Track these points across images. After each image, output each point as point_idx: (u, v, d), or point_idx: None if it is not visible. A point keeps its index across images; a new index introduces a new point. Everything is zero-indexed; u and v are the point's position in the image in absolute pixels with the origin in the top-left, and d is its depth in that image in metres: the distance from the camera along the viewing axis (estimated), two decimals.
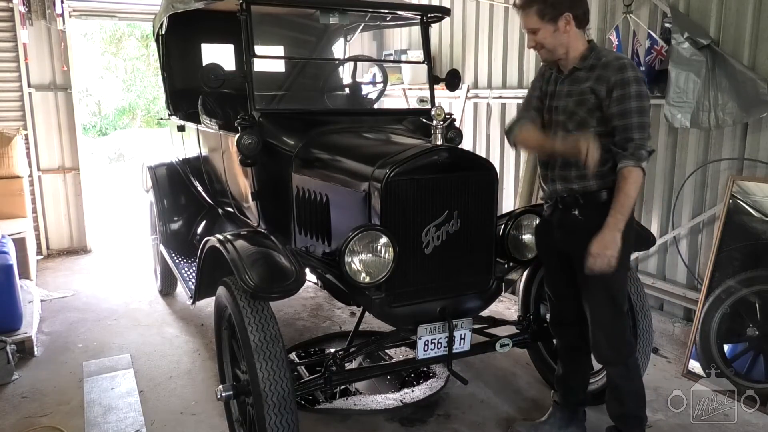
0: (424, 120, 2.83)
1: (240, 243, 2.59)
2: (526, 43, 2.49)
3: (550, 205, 2.58)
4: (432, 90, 3.78)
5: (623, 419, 2.63)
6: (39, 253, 6.03)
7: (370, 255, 2.46)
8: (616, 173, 2.34)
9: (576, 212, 2.46)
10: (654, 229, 3.99)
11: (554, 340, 3.31)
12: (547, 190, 2.56)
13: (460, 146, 3.29)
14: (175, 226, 4.76)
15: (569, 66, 2.46)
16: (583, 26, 2.45)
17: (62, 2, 5.65)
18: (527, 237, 2.86)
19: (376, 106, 4.50)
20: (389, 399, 3.17)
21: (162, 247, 4.68)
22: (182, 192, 4.83)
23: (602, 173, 2.38)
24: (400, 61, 6.17)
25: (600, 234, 2.31)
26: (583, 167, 2.34)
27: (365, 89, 4.63)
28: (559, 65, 2.51)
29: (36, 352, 3.87)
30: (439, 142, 2.58)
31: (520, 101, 4.95)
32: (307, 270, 2.68)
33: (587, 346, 2.82)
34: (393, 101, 6.50)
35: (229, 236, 2.66)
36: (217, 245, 2.61)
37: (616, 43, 3.95)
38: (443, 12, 3.73)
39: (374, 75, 4.70)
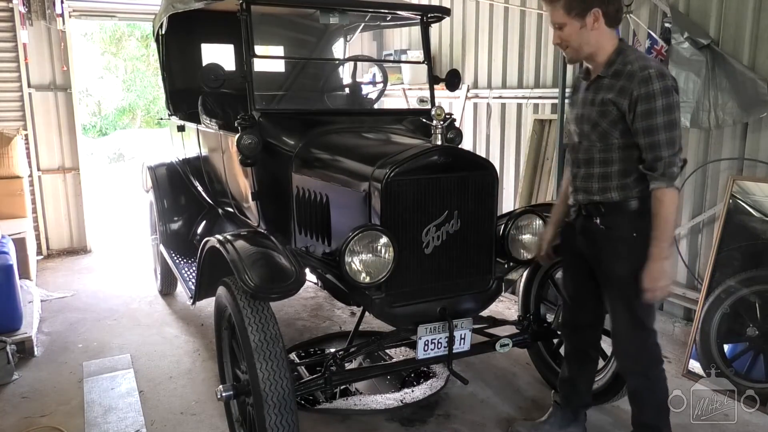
0: (424, 120, 2.82)
1: (240, 243, 2.59)
2: (551, 39, 2.39)
3: (575, 210, 2.53)
4: (432, 90, 3.78)
5: (638, 426, 2.57)
6: (39, 253, 6.03)
7: (370, 255, 2.45)
8: (640, 184, 2.28)
9: (597, 221, 2.39)
10: None
11: (555, 341, 3.31)
12: (572, 198, 2.53)
13: (460, 146, 3.29)
14: (175, 226, 4.76)
15: (596, 70, 2.35)
16: (615, 25, 2.32)
17: (62, 2, 5.65)
18: (527, 237, 2.85)
19: (376, 106, 4.50)
20: (389, 399, 3.17)
21: (162, 247, 4.68)
22: (182, 192, 4.83)
23: (625, 185, 2.31)
24: (400, 61, 6.17)
25: (647, 267, 2.24)
26: (605, 179, 2.34)
27: (365, 89, 4.63)
28: (588, 68, 2.41)
29: (36, 352, 3.87)
30: (439, 142, 2.58)
31: (520, 101, 5.03)
32: (307, 270, 2.68)
33: (596, 350, 2.80)
34: (393, 101, 6.50)
35: (229, 236, 2.66)
36: (217, 245, 2.61)
37: None
38: (443, 12, 3.73)
39: (374, 75, 4.69)
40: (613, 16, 2.29)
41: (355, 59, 5.15)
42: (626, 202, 2.32)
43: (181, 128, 4.52)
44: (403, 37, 6.55)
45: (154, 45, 5.06)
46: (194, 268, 3.63)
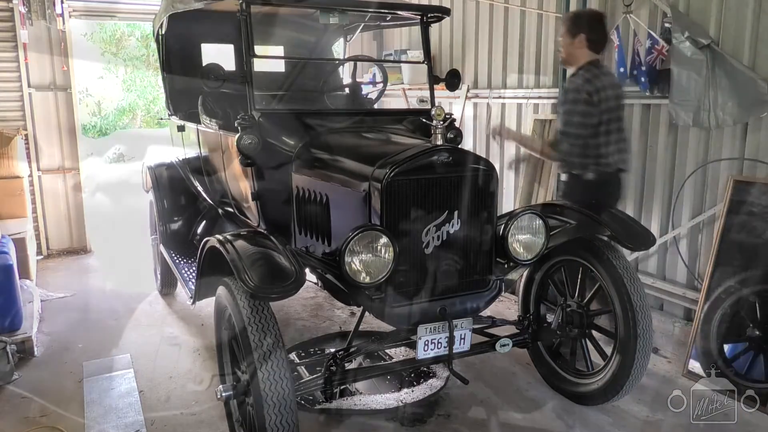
0: (424, 120, 2.82)
1: (240, 243, 2.59)
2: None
3: None
4: (432, 90, 3.78)
5: None
6: (39, 253, 6.03)
7: (370, 255, 2.45)
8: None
9: None
10: (654, 229, 3.99)
11: (555, 341, 3.30)
12: None
13: (460, 146, 3.29)
14: (175, 226, 4.76)
15: None
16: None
17: (62, 2, 5.65)
18: (527, 237, 2.84)
19: (376, 106, 4.50)
20: (389, 399, 3.18)
21: (162, 247, 4.67)
22: (182, 192, 4.83)
23: None
24: (400, 61, 6.16)
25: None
26: None
27: (365, 89, 4.63)
28: None
29: (36, 352, 3.87)
30: (439, 142, 2.58)
31: (520, 101, 5.03)
32: (307, 270, 2.68)
33: None
34: (393, 101, 6.50)
35: (228, 236, 2.66)
36: (217, 245, 2.61)
37: (617, 43, 3.95)
38: (443, 12, 3.73)
39: (374, 75, 4.70)
40: None
41: (355, 59, 5.15)
42: None
43: (181, 128, 4.51)
44: (403, 37, 6.55)
45: (154, 45, 5.06)
46: (194, 268, 3.63)
